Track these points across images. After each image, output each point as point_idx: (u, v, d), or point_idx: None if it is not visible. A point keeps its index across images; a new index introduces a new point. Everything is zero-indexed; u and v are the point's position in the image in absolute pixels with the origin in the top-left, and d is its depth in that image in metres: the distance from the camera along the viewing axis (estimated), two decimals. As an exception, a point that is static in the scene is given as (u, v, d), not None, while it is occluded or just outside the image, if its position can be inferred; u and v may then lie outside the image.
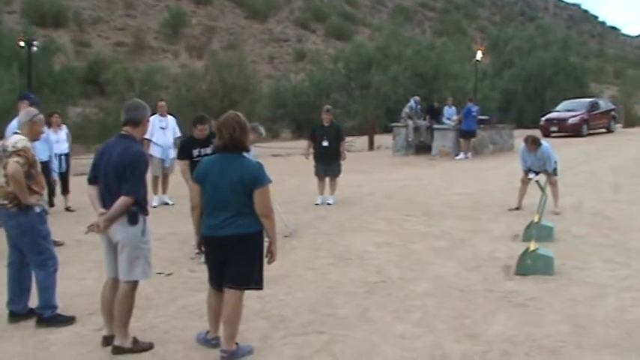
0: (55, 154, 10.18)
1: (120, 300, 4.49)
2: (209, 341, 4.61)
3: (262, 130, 7.92)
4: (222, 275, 4.40)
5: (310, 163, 10.96)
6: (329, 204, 10.66)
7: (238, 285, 4.36)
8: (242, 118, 4.39)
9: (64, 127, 10.77)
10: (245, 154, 4.41)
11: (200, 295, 5.48)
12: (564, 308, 5.44)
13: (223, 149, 4.35)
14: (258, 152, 7.28)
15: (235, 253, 4.31)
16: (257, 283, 4.44)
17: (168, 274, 6.56)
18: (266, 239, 4.42)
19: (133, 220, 4.42)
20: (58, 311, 5.15)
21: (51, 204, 9.30)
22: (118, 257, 4.50)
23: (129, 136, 4.55)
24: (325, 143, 10.67)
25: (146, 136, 9.50)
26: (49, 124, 10.41)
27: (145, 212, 4.54)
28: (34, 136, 5.22)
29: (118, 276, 4.53)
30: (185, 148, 7.37)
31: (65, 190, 10.61)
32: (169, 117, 11.21)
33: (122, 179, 4.40)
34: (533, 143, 9.53)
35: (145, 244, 4.53)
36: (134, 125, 4.57)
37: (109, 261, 4.61)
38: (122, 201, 4.38)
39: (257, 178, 4.29)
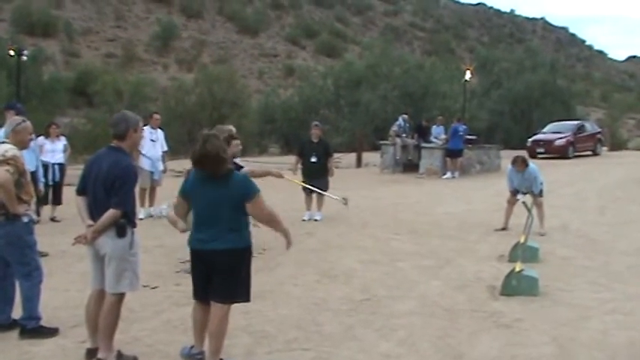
0: (50, 164, 10.18)
1: (105, 312, 4.46)
2: (193, 356, 4.58)
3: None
4: (207, 289, 4.39)
5: (298, 178, 10.95)
6: (316, 220, 10.65)
7: (225, 299, 4.35)
8: (213, 142, 4.22)
9: (62, 138, 10.74)
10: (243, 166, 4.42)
11: (185, 309, 5.45)
12: (549, 330, 5.46)
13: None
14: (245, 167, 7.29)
15: (222, 268, 4.31)
16: (244, 297, 4.45)
17: (154, 288, 6.52)
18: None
19: (121, 233, 4.42)
20: (42, 323, 5.10)
21: (38, 213, 9.23)
22: (105, 269, 4.48)
23: (118, 149, 4.56)
24: (313, 159, 10.70)
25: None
26: (47, 135, 10.41)
27: (133, 225, 4.54)
28: (20, 145, 5.19)
29: (105, 288, 4.51)
30: None
31: (57, 201, 10.51)
32: (159, 130, 11.19)
33: (111, 192, 4.40)
34: (522, 162, 9.75)
35: (132, 256, 4.52)
36: (120, 139, 4.56)
37: (95, 273, 4.59)
38: (110, 213, 4.37)
39: (245, 192, 4.31)
